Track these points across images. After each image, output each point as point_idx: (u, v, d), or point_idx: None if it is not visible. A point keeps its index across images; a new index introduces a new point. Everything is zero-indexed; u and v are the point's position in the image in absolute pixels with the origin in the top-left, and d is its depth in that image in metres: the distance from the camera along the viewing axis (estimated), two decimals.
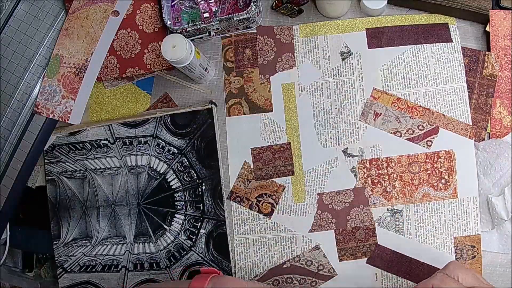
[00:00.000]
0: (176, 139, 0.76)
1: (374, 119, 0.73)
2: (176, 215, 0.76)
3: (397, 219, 0.71)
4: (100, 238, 0.78)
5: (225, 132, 0.76)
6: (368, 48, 0.74)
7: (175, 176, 0.76)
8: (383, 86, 0.73)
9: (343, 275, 0.72)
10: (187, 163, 0.76)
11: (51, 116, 0.77)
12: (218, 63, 0.78)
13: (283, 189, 0.74)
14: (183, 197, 0.76)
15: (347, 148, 0.73)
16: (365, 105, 0.74)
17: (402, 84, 0.73)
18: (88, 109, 0.80)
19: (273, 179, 0.75)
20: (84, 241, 0.78)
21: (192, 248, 0.75)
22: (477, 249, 0.70)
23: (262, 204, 0.75)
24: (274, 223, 0.74)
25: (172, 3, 0.77)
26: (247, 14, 0.72)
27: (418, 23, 0.74)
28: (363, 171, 0.73)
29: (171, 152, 0.76)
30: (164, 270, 0.76)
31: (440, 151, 0.71)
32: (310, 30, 0.76)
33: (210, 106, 0.75)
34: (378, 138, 0.73)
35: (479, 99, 0.72)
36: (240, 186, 0.75)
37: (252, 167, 0.75)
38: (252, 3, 0.71)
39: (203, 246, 0.75)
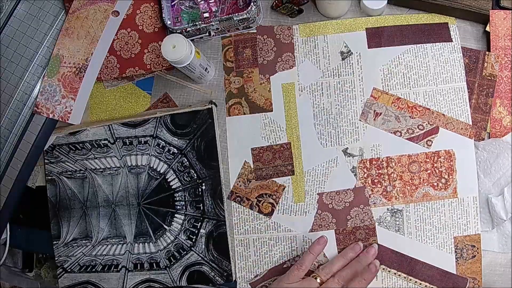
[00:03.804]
0: (176, 139, 0.76)
1: (374, 119, 0.73)
2: (176, 215, 0.76)
3: (397, 219, 0.71)
4: (100, 238, 0.78)
5: (225, 132, 0.76)
6: (368, 48, 0.74)
7: (175, 176, 0.76)
8: (383, 85, 0.73)
9: None
10: (187, 163, 0.76)
11: (51, 116, 0.77)
12: (218, 63, 0.78)
13: (283, 189, 0.74)
14: (183, 197, 0.76)
15: (347, 148, 0.74)
16: (365, 104, 0.74)
17: (402, 83, 0.73)
18: (88, 109, 0.80)
19: (273, 179, 0.75)
20: (84, 241, 0.78)
21: (192, 248, 0.75)
22: (477, 248, 0.70)
23: (262, 204, 0.75)
24: (274, 223, 0.74)
25: (172, 3, 0.77)
26: (247, 14, 0.72)
27: (418, 23, 0.74)
28: (363, 171, 0.73)
29: (171, 152, 0.76)
30: (164, 270, 0.76)
31: (440, 150, 0.72)
32: (310, 30, 0.76)
33: (210, 106, 0.75)
34: (378, 138, 0.73)
35: (479, 99, 0.72)
36: (240, 186, 0.75)
37: (252, 167, 0.75)
38: (252, 3, 0.71)
39: (203, 246, 0.75)
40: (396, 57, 0.74)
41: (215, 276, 0.74)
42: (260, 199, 0.75)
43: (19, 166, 0.77)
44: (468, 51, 0.73)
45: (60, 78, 0.77)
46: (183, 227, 0.76)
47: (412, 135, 0.72)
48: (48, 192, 0.80)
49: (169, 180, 0.77)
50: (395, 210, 0.72)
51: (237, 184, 0.75)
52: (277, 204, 0.74)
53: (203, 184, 0.75)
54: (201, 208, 0.75)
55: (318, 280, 0.67)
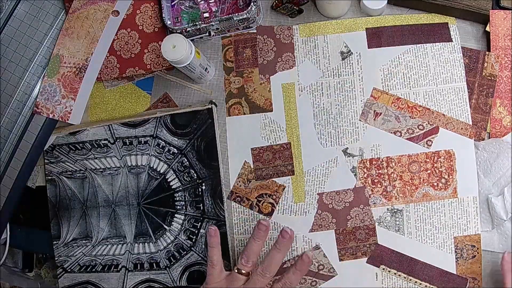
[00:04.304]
0: (176, 139, 0.76)
1: (374, 119, 0.73)
2: (176, 215, 0.76)
3: (397, 219, 0.71)
4: (100, 238, 0.78)
5: (225, 132, 0.76)
6: (368, 48, 0.74)
7: (175, 176, 0.76)
8: (383, 85, 0.74)
9: (343, 275, 0.72)
10: (187, 163, 0.76)
11: (51, 116, 0.77)
12: (218, 63, 0.78)
13: (283, 189, 0.74)
14: (183, 197, 0.76)
15: (347, 148, 0.74)
16: (365, 104, 0.74)
17: (402, 83, 0.73)
18: (88, 109, 0.80)
19: (273, 179, 0.75)
20: (84, 241, 0.78)
21: (192, 248, 0.75)
22: (477, 248, 0.70)
23: (262, 204, 0.75)
24: (274, 223, 0.74)
25: (172, 3, 0.77)
26: (247, 14, 0.72)
27: (418, 23, 0.74)
28: (363, 171, 0.73)
29: (171, 152, 0.76)
30: (164, 270, 0.76)
31: (440, 150, 0.72)
32: (310, 30, 0.76)
33: (210, 106, 0.75)
34: (378, 138, 0.73)
35: (479, 99, 0.72)
36: (240, 186, 0.75)
37: (252, 167, 0.75)
38: (252, 3, 0.71)
39: (203, 246, 0.75)
40: (396, 57, 0.74)
41: None
42: (260, 199, 0.75)
43: (19, 166, 0.77)
44: (468, 51, 0.73)
45: (60, 78, 0.77)
46: (183, 227, 0.76)
47: (412, 135, 0.72)
48: (48, 192, 0.80)
49: (169, 180, 0.77)
50: (395, 210, 0.72)
51: (237, 184, 0.75)
52: (277, 204, 0.74)
53: (203, 184, 0.75)
54: (201, 208, 0.75)
55: (244, 272, 0.67)
